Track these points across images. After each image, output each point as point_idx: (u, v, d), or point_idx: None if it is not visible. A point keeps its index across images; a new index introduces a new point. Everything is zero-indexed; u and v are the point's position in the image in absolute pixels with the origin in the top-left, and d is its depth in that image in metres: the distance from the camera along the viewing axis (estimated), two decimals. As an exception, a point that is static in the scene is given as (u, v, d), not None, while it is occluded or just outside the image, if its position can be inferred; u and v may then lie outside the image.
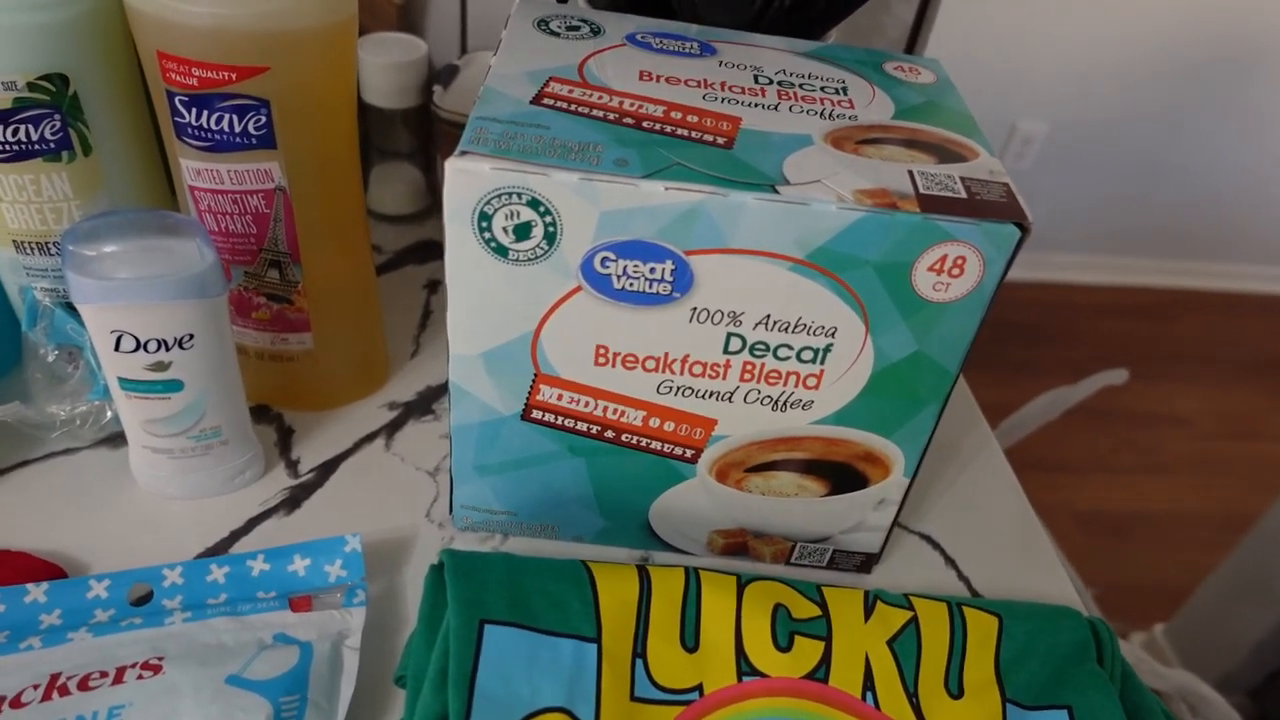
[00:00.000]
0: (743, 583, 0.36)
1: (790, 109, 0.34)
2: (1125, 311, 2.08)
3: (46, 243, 0.41)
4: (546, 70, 0.34)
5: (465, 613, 0.33)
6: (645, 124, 0.32)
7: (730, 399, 0.35)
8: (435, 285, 0.57)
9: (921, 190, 0.31)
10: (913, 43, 0.69)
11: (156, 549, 0.40)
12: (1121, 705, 0.35)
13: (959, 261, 0.31)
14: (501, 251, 0.32)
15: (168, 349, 0.36)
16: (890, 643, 0.36)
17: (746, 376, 0.35)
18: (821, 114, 0.34)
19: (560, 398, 0.36)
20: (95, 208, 0.41)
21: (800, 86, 0.36)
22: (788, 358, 0.34)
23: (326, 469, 0.45)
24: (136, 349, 0.36)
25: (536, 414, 0.36)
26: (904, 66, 0.39)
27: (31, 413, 0.42)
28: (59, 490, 0.42)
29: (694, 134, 0.32)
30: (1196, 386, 1.90)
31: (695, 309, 0.33)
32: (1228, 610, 1.19)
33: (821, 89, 0.36)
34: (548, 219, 0.31)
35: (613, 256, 0.31)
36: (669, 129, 0.32)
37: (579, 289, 0.32)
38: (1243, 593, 1.18)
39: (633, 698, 0.33)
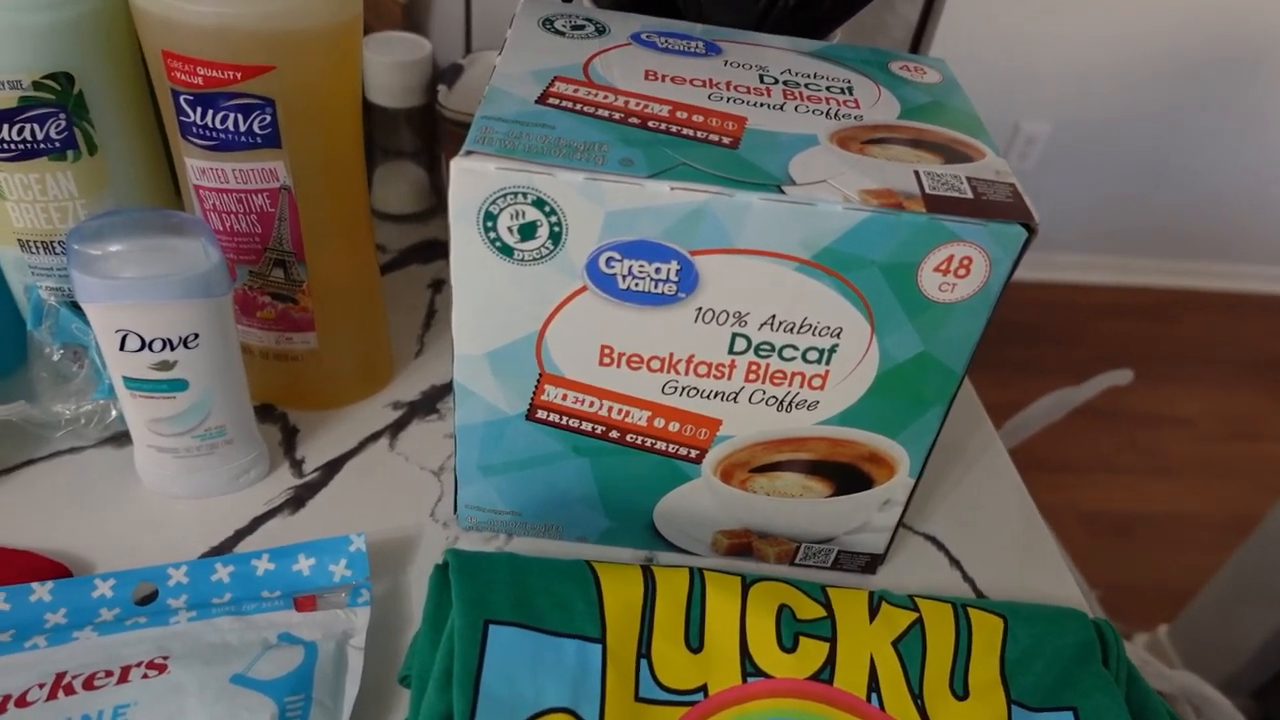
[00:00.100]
0: (747, 583, 0.36)
1: (796, 109, 0.34)
2: (1127, 312, 2.08)
3: (52, 242, 0.41)
4: (552, 70, 0.34)
5: (470, 613, 0.33)
6: (651, 124, 0.32)
7: (735, 399, 0.35)
8: (439, 284, 0.57)
9: (927, 190, 0.31)
10: (917, 42, 0.69)
11: (161, 548, 0.40)
12: (1127, 707, 0.35)
13: (965, 262, 0.31)
14: (507, 251, 0.32)
15: (173, 348, 0.36)
16: (895, 644, 0.36)
17: (751, 377, 0.35)
18: (827, 114, 0.34)
19: (565, 398, 0.36)
20: (100, 207, 0.41)
21: (806, 86, 0.36)
22: (793, 358, 0.34)
23: (331, 468, 0.45)
24: (141, 348, 0.36)
25: (541, 414, 0.36)
26: (910, 66, 0.39)
27: (37, 412, 0.42)
28: (64, 489, 0.42)
29: (699, 134, 0.32)
30: (1199, 387, 1.90)
31: (700, 309, 0.33)
32: (1231, 612, 1.19)
33: (827, 89, 0.36)
34: (553, 219, 0.31)
35: (618, 256, 0.31)
36: (674, 129, 0.32)
37: (584, 289, 0.32)
38: (1246, 594, 1.18)
39: (637, 698, 0.33)
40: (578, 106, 0.32)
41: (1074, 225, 2.04)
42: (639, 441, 0.37)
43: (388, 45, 0.58)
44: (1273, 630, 1.12)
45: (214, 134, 0.37)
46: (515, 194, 0.30)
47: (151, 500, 0.42)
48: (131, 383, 0.37)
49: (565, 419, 0.36)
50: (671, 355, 0.34)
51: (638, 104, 0.33)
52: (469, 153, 0.30)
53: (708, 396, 0.35)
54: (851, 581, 0.43)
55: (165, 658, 0.33)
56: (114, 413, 0.42)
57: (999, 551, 0.45)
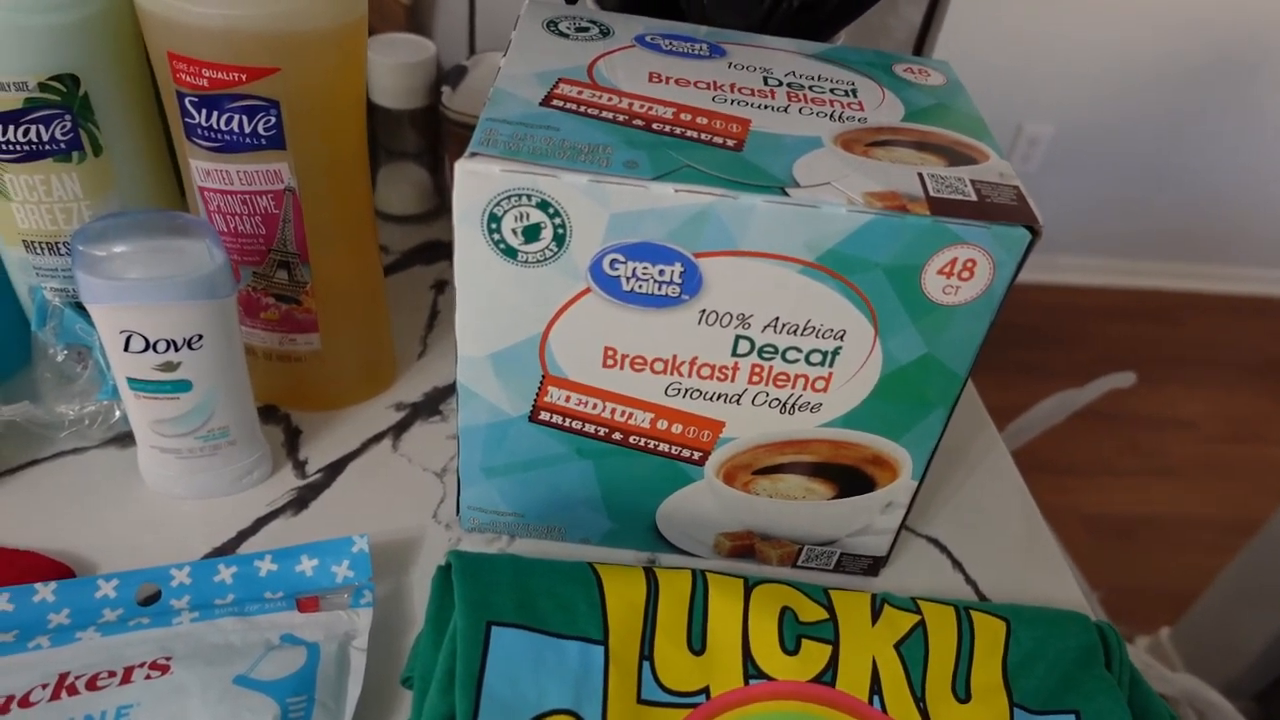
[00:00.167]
0: (750, 585, 0.36)
1: (800, 111, 0.34)
2: (1130, 314, 2.08)
3: (56, 243, 0.41)
4: (556, 71, 0.34)
5: (472, 614, 0.33)
6: (655, 126, 0.32)
7: (738, 401, 0.35)
8: (442, 286, 0.57)
9: (931, 193, 0.31)
10: (920, 45, 0.69)
11: (164, 549, 0.40)
12: (1129, 710, 0.35)
13: (969, 264, 0.31)
14: (511, 253, 0.32)
15: (177, 349, 0.36)
16: (898, 646, 0.36)
17: (755, 379, 0.35)
18: (831, 116, 0.34)
19: (568, 399, 0.36)
20: (105, 208, 0.41)
21: (810, 88, 0.36)
22: (796, 360, 0.34)
23: (334, 469, 0.45)
24: (145, 349, 0.36)
25: (544, 415, 0.36)
26: (914, 68, 0.39)
27: (40, 412, 0.42)
28: (67, 490, 0.42)
29: (704, 136, 0.32)
30: (1201, 389, 1.90)
31: (704, 311, 0.33)
32: (1234, 614, 1.19)
33: (831, 91, 0.36)
34: (557, 221, 0.31)
35: (622, 258, 0.31)
36: (679, 131, 0.32)
37: (588, 291, 0.32)
38: (1249, 597, 1.18)
39: (639, 700, 0.33)
40: (582, 108, 0.32)
41: (1077, 227, 2.04)
42: (642, 443, 0.37)
43: (392, 47, 0.58)
44: (1275, 633, 1.12)
45: (219, 135, 0.37)
46: (520, 196, 0.30)
47: (154, 501, 0.42)
48: (135, 384, 0.37)
49: (568, 421, 0.36)
50: (675, 357, 0.34)
51: (642, 106, 0.33)
52: (474, 154, 0.30)
53: (711, 398, 0.35)
54: (854, 584, 0.43)
55: (168, 658, 0.33)
56: (118, 413, 0.43)
57: (1001, 554, 0.45)
